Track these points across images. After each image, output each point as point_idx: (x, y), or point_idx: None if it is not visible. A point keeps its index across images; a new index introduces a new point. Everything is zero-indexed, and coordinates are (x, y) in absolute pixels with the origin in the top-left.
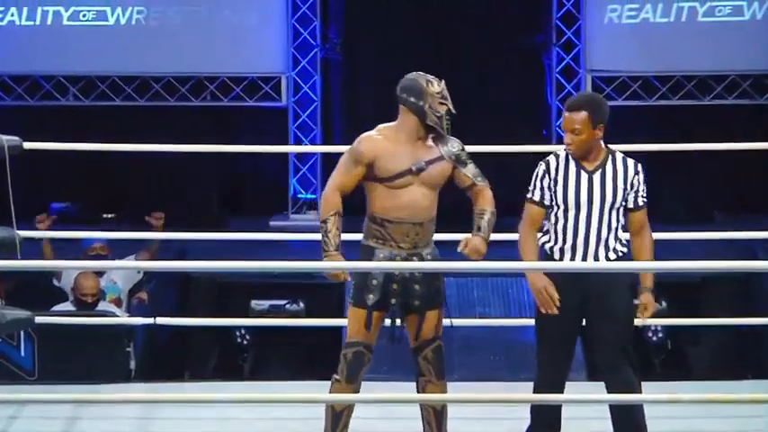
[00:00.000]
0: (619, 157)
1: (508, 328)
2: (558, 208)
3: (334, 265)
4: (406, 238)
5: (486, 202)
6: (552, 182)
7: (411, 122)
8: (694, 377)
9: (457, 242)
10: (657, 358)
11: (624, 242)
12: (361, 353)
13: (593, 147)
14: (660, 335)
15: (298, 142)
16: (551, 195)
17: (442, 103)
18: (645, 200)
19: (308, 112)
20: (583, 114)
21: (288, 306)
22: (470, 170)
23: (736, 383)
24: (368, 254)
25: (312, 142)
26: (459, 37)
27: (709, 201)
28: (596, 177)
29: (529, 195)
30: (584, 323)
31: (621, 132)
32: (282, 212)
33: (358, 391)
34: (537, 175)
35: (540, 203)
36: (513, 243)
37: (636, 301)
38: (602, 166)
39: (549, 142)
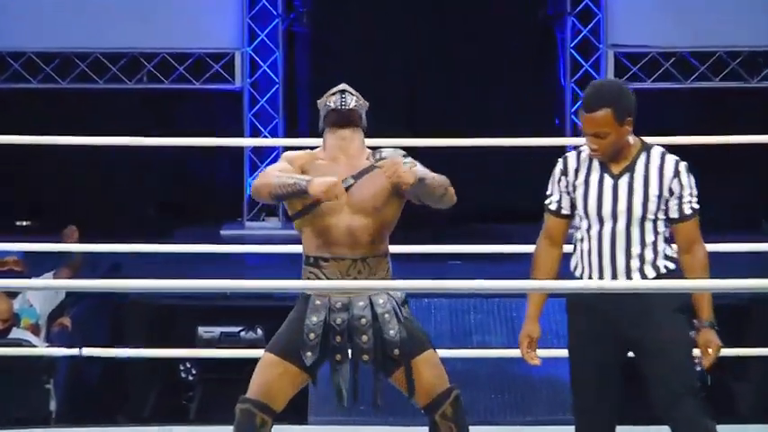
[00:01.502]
0: (655, 153)
1: (513, 360)
2: (581, 220)
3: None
4: (346, 278)
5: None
6: (571, 186)
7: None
8: (738, 418)
9: (447, 255)
10: None
11: (671, 256)
12: (252, 414)
13: (623, 145)
14: (698, 367)
15: (255, 133)
16: (570, 203)
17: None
18: (693, 208)
19: (267, 96)
20: (605, 112)
21: (243, 334)
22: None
23: None
24: (302, 304)
25: (273, 133)
26: (452, 5)
27: (756, 205)
28: (622, 183)
29: (546, 202)
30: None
31: (650, 121)
32: (236, 220)
33: None
34: (553, 177)
35: (558, 213)
36: (516, 256)
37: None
38: (632, 167)
39: (562, 133)
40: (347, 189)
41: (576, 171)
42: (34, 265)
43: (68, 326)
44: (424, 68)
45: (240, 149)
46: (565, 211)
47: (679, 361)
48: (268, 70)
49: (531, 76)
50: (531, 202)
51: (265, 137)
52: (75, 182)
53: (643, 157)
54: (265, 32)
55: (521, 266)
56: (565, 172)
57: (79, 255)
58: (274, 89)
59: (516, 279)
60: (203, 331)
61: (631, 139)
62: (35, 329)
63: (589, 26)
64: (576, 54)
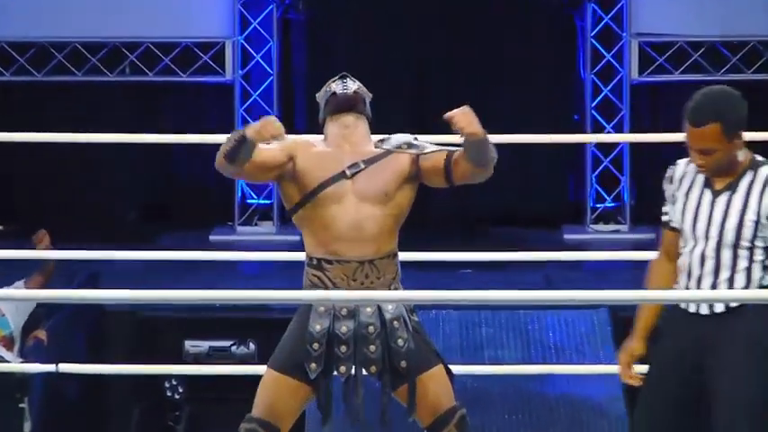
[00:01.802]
0: (762, 173)
1: (528, 377)
2: (682, 234)
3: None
4: (352, 283)
5: None
6: (672, 197)
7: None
8: None
9: (456, 263)
10: None
11: None
12: None
13: (733, 160)
14: None
15: None
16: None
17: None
18: None
19: (260, 89)
20: (713, 127)
21: (234, 348)
22: (435, 146)
23: None
24: (305, 312)
25: None
26: None
27: None
28: (720, 201)
29: (662, 212)
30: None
31: (678, 116)
32: (227, 224)
33: None
34: (664, 186)
35: (668, 225)
36: (523, 263)
37: None
38: (734, 185)
39: (581, 130)
40: (354, 174)
41: (681, 180)
42: (6, 272)
43: (44, 339)
44: (429, 58)
45: None
46: (674, 224)
47: (748, 394)
48: (261, 61)
49: (547, 68)
50: (534, 203)
51: None
52: (50, 182)
53: (749, 176)
54: (258, 20)
55: (530, 274)
56: (671, 180)
57: (52, 261)
58: (268, 81)
59: (526, 288)
60: (190, 345)
61: (741, 154)
62: (8, 343)
63: (611, 13)
64: (596, 44)
